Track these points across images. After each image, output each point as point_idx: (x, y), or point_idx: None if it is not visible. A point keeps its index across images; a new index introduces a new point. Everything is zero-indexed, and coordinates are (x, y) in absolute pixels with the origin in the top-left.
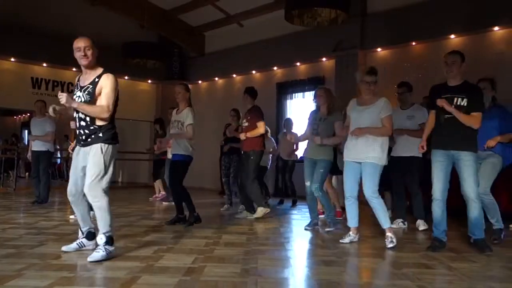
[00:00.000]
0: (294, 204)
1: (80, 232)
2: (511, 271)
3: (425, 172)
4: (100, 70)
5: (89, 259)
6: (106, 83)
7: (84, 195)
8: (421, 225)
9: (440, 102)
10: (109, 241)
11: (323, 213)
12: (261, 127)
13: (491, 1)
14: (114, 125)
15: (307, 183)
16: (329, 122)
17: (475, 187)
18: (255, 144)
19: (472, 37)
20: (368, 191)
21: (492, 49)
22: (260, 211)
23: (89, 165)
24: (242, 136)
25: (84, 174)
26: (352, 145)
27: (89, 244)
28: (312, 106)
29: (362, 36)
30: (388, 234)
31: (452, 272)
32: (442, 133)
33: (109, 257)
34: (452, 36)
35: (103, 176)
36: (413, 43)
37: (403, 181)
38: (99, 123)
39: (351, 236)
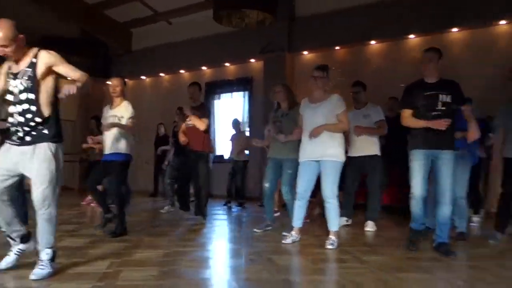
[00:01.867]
0: (241, 206)
1: (11, 240)
2: (416, 261)
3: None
4: (34, 50)
5: (33, 277)
6: (51, 59)
7: (7, 199)
8: (369, 226)
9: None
10: (54, 256)
11: (276, 211)
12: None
13: (408, 10)
14: (59, 117)
15: (266, 185)
16: (291, 117)
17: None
18: (207, 145)
19: (390, 44)
20: (327, 191)
21: (409, 56)
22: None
23: (36, 170)
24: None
25: (11, 176)
26: (308, 144)
27: (27, 248)
28: (241, 106)
29: (289, 39)
30: (332, 236)
31: (364, 265)
32: (426, 132)
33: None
34: (373, 42)
35: (55, 183)
36: (337, 48)
37: (359, 181)
38: (46, 114)
39: (294, 236)
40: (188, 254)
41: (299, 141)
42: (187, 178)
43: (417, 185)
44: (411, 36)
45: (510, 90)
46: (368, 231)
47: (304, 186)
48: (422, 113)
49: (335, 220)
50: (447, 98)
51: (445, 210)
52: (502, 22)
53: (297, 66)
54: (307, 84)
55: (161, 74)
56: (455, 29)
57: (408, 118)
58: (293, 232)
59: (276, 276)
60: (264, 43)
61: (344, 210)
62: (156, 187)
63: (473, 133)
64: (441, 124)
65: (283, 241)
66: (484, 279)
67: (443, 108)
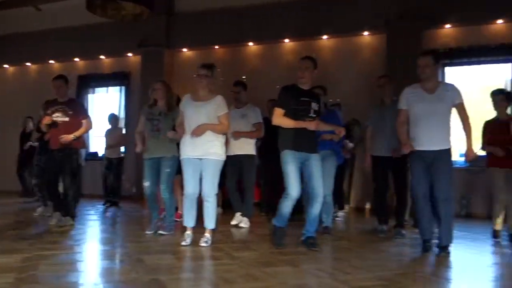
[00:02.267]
0: (115, 205)
1: None
2: (284, 255)
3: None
4: None
5: None
6: None
7: None
8: (243, 223)
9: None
10: None
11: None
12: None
13: (284, 14)
14: None
15: (146, 184)
16: (171, 117)
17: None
18: (80, 142)
19: (267, 46)
20: (207, 189)
21: (283, 59)
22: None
23: None
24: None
25: None
26: (190, 141)
27: None
28: (117, 101)
29: (168, 35)
30: (207, 234)
31: (235, 261)
32: (298, 135)
33: None
34: (251, 43)
35: None
36: (216, 47)
37: (237, 179)
38: None
39: (191, 235)
40: (52, 257)
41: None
42: (55, 177)
43: (293, 186)
44: (286, 40)
45: (378, 96)
46: (242, 227)
47: (191, 187)
48: (297, 118)
49: (213, 218)
50: (316, 107)
51: (317, 208)
52: (366, 33)
53: (176, 63)
54: (188, 82)
55: (28, 64)
56: (325, 36)
57: (281, 117)
58: (188, 232)
59: (144, 277)
60: (141, 37)
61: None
62: (24, 185)
63: (340, 131)
64: (313, 125)
65: (182, 243)
66: (344, 270)
67: (314, 115)
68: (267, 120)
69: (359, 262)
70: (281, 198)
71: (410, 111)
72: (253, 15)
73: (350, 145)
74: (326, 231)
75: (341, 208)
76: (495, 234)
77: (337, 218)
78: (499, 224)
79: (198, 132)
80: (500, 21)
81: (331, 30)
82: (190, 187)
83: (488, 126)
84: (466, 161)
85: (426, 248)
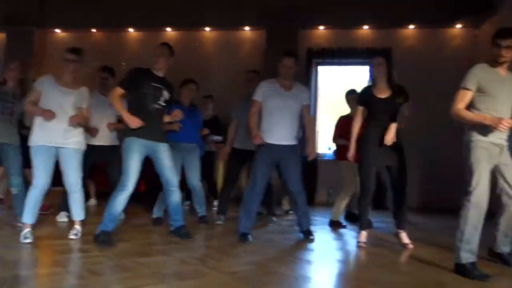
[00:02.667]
0: None
1: None
2: (157, 246)
3: None
4: None
5: None
6: None
7: None
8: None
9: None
10: None
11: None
12: None
13: (163, 1)
14: None
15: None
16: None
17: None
18: None
19: (147, 33)
20: (74, 180)
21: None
22: None
23: None
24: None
25: None
26: (47, 127)
27: None
28: None
29: (40, 13)
30: (77, 226)
31: (104, 253)
32: (147, 123)
33: None
34: (131, 29)
35: None
36: (94, 30)
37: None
38: None
39: (30, 232)
40: None
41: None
42: None
43: (133, 178)
44: (168, 29)
45: (247, 89)
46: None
47: (43, 178)
48: (144, 102)
49: (81, 209)
50: (167, 96)
51: (176, 196)
52: (247, 28)
53: (49, 45)
54: (61, 66)
55: None
56: (207, 28)
57: (118, 98)
58: (28, 230)
59: (3, 273)
60: (8, 13)
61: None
62: None
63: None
64: (134, 122)
65: (23, 241)
66: (216, 256)
67: (164, 104)
68: None
69: (231, 249)
70: (116, 190)
71: (265, 104)
72: (135, 0)
73: (216, 138)
74: (202, 220)
75: (215, 197)
76: (333, 224)
77: (213, 208)
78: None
79: (75, 120)
80: (366, 26)
81: (213, 22)
82: (41, 178)
83: (341, 121)
84: (309, 158)
85: (242, 239)
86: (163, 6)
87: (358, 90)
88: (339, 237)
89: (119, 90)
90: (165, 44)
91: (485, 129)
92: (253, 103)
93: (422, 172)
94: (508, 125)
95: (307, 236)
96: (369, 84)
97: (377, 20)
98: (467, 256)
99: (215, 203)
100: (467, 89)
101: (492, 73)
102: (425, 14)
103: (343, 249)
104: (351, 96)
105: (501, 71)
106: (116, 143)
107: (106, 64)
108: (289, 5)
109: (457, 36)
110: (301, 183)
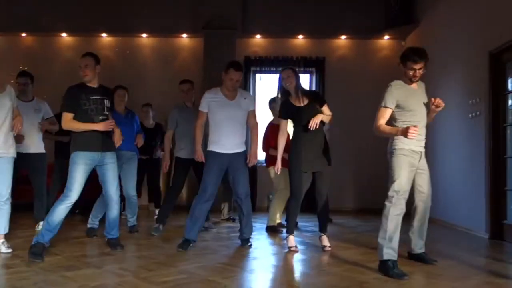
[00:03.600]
0: None
1: None
2: (88, 258)
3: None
4: None
5: None
6: None
7: None
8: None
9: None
10: None
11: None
12: None
13: (96, 4)
14: None
15: None
16: None
17: (119, 187)
18: None
19: (82, 39)
20: (3, 189)
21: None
22: None
23: None
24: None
25: None
26: None
27: None
28: None
29: None
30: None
31: (31, 268)
32: (92, 135)
33: None
34: (64, 34)
35: None
36: (24, 34)
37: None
38: None
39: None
40: None
41: None
42: None
43: (76, 191)
44: (103, 34)
45: (182, 99)
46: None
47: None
48: (90, 117)
49: (4, 222)
50: (109, 104)
51: (115, 210)
52: (184, 35)
53: None
54: None
55: None
56: (144, 35)
57: (70, 121)
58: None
59: None
60: None
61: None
62: None
63: (118, 139)
64: (101, 126)
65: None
66: (148, 267)
67: (107, 113)
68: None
69: (164, 258)
70: (58, 200)
71: (211, 115)
72: (68, 5)
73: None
74: (133, 229)
75: (158, 206)
76: (276, 228)
77: (155, 217)
78: (278, 218)
79: (19, 125)
80: (300, 36)
81: (150, 29)
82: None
83: (271, 129)
84: (249, 164)
85: (183, 246)
86: (98, 11)
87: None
88: (275, 242)
89: (69, 115)
90: (88, 54)
91: (407, 140)
92: (199, 114)
93: (356, 175)
94: (415, 133)
95: (246, 243)
96: (277, 95)
97: (311, 30)
98: (389, 253)
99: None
100: (387, 107)
101: (407, 89)
102: (355, 25)
103: (277, 255)
104: (275, 104)
105: (413, 85)
106: (42, 151)
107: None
108: (226, 13)
109: (385, 47)
110: (248, 187)
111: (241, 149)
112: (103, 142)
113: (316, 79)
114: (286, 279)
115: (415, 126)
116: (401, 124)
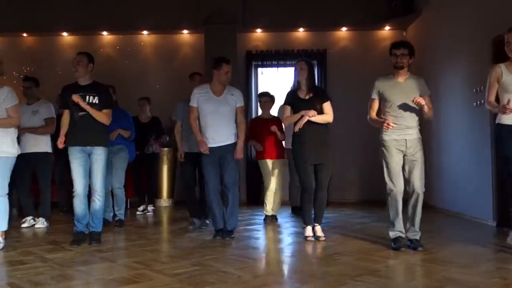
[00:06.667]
0: None
1: None
2: (100, 253)
3: None
4: None
5: None
6: None
7: None
8: (40, 223)
9: (76, 98)
10: None
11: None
12: None
13: (97, 6)
14: None
15: None
16: None
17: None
18: None
19: (83, 38)
20: None
21: (99, 52)
22: None
23: None
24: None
25: None
26: None
27: None
28: None
29: None
30: None
31: (46, 263)
32: (77, 130)
33: None
34: (65, 34)
35: None
36: (25, 35)
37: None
38: None
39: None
40: None
41: None
42: None
43: (78, 183)
44: (104, 33)
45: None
46: (39, 227)
47: None
48: (72, 112)
49: (3, 219)
50: (94, 100)
51: (96, 203)
52: (185, 31)
53: None
54: None
55: None
56: (145, 32)
57: (66, 118)
58: None
59: None
60: None
61: (26, 209)
62: None
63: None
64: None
65: None
66: (161, 260)
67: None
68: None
69: (176, 252)
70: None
71: (200, 110)
72: (68, 4)
73: (166, 137)
74: (118, 223)
75: (151, 202)
76: (266, 218)
77: (148, 213)
78: (268, 211)
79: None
80: (301, 29)
81: (151, 26)
82: None
83: (252, 123)
84: (235, 158)
85: (217, 235)
86: (99, 9)
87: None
88: (276, 232)
89: (65, 112)
90: (82, 53)
91: (389, 130)
92: (190, 109)
93: (360, 168)
94: (390, 126)
95: (228, 235)
96: (293, 87)
97: (312, 23)
98: (393, 233)
99: (150, 208)
100: (373, 98)
101: (390, 82)
102: (356, 17)
103: (288, 246)
104: (263, 99)
105: (400, 78)
106: (44, 150)
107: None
108: (226, 8)
109: (386, 38)
110: (236, 178)
111: (230, 141)
112: (91, 136)
113: (318, 72)
114: (300, 267)
115: (394, 120)
116: (386, 115)
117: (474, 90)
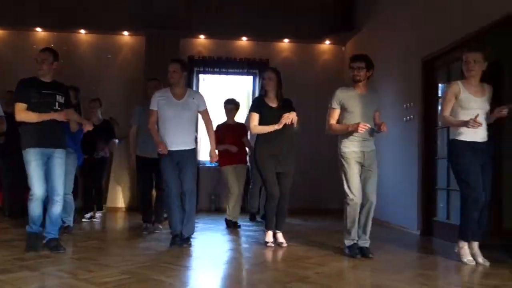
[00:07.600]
0: None
1: None
2: (22, 261)
3: None
4: None
5: None
6: None
7: None
8: None
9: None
10: None
11: None
12: None
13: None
14: None
15: None
16: None
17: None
18: None
19: (16, 33)
20: None
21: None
22: None
23: None
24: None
25: None
26: None
27: None
28: None
29: None
30: None
31: None
32: (43, 130)
33: None
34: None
35: None
36: None
37: None
38: None
39: None
40: None
41: None
42: None
43: (38, 186)
44: (38, 29)
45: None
46: None
47: None
48: (41, 111)
49: None
50: (62, 99)
51: (57, 208)
52: (125, 33)
53: None
54: None
55: None
56: (82, 31)
57: (23, 112)
58: None
59: None
60: None
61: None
62: None
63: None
64: (62, 115)
65: None
66: (88, 268)
67: (59, 108)
68: (7, 115)
69: (105, 259)
70: (28, 200)
71: (159, 113)
72: None
73: (116, 141)
74: (66, 230)
75: (99, 208)
76: (229, 224)
77: (94, 220)
78: (231, 214)
79: None
80: (244, 38)
81: (89, 25)
82: None
83: (219, 129)
84: (210, 161)
85: (175, 241)
86: (33, 5)
87: (237, 99)
88: (219, 240)
89: (22, 105)
90: (47, 49)
91: (348, 142)
92: (150, 113)
93: (304, 176)
94: (364, 127)
95: (185, 242)
96: (261, 94)
97: (254, 33)
98: (349, 241)
99: (98, 214)
100: (333, 108)
101: (350, 93)
102: (297, 29)
103: (222, 253)
104: (229, 106)
105: (359, 89)
106: None
107: None
108: (169, 12)
109: (326, 52)
110: (193, 185)
111: (189, 146)
112: (53, 138)
113: (260, 80)
114: (231, 275)
115: (354, 132)
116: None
117: (405, 105)
